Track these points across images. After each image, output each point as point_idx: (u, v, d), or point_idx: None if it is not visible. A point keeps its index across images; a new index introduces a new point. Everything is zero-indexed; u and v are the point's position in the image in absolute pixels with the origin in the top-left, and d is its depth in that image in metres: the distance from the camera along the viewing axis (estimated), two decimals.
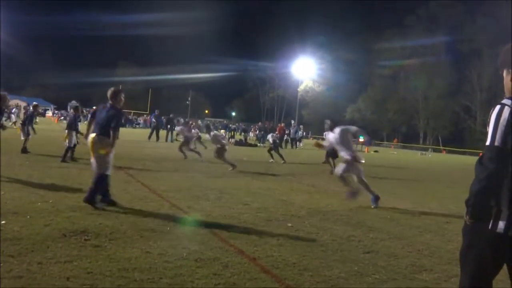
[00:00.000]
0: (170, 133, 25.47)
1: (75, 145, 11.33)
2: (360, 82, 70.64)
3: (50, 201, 6.13)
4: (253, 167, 13.58)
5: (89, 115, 7.51)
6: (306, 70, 63.76)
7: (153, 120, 28.50)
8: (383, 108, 69.45)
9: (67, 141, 11.13)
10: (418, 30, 66.09)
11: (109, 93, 6.39)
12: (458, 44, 63.05)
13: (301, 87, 70.93)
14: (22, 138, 12.27)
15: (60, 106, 70.84)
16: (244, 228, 5.45)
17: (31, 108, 14.85)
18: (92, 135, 6.16)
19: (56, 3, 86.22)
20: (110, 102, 6.35)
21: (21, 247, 4.02)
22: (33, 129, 13.09)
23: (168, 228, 5.13)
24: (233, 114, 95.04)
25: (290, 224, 5.86)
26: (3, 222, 4.77)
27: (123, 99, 6.54)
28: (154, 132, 25.11)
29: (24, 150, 11.86)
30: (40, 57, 77.96)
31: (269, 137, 17.45)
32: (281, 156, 15.97)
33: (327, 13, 74.03)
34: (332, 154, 13.19)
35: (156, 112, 28.94)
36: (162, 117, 28.33)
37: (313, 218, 6.46)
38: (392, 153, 39.84)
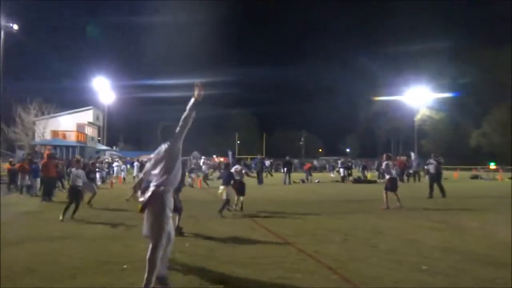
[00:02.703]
0: (287, 175, 25.90)
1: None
2: (483, 104, 65.25)
3: (186, 251, 6.55)
4: (373, 205, 13.13)
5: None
6: (420, 98, 60.96)
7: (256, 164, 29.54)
8: None
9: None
10: None
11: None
12: None
13: (417, 117, 67.76)
14: None
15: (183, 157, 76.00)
16: (374, 272, 5.29)
17: None
18: None
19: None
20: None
21: None
22: None
23: (299, 275, 5.17)
24: (348, 150, 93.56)
25: (424, 267, 5.54)
26: (124, 266, 5.20)
27: None
28: (262, 174, 26.42)
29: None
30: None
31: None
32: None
33: (438, 34, 70.44)
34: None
35: (259, 156, 30.92)
36: (267, 161, 29.18)
37: (449, 258, 6.04)
38: None
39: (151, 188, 4.44)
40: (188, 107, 4.53)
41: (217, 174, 35.79)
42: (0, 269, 5.31)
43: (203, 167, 25.18)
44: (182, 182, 8.82)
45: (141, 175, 5.13)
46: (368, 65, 77.37)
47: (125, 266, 5.47)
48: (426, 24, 72.45)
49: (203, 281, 4.92)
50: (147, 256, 4.30)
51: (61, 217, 9.69)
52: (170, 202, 4.48)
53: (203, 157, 52.26)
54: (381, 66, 75.83)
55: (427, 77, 62.77)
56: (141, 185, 5.09)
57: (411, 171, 29.65)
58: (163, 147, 4.61)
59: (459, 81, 65.31)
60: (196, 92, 4.53)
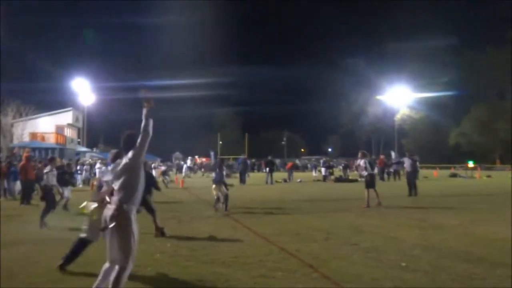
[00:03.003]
0: (270, 175, 25.96)
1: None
2: (462, 103, 66.22)
3: (167, 252, 6.53)
4: (354, 204, 13.25)
5: None
6: (401, 98, 61.74)
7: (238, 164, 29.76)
8: (492, 128, 64.17)
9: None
10: None
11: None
12: None
13: (397, 116, 68.63)
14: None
15: (165, 158, 75.02)
16: (355, 270, 5.35)
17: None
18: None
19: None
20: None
21: None
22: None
23: (280, 274, 5.20)
24: (330, 150, 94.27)
25: (404, 264, 5.62)
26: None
27: None
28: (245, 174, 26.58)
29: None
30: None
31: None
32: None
33: (419, 34, 71.12)
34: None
35: (242, 156, 30.64)
36: (248, 161, 29.13)
37: (429, 256, 6.13)
38: (509, 177, 36.49)
39: (114, 206, 3.91)
40: (143, 116, 3.97)
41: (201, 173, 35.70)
42: None
43: (162, 167, 26.05)
44: (152, 184, 8.89)
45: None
46: (350, 66, 77.93)
47: None
48: (408, 24, 73.10)
49: (184, 281, 4.91)
50: (112, 278, 3.83)
51: (40, 227, 9.21)
52: (135, 222, 3.96)
53: (189, 157, 52.09)
54: (362, 66, 76.39)
55: (407, 77, 63.56)
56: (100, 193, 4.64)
57: (391, 170, 29.98)
58: (123, 159, 4.05)
59: (439, 81, 66.22)
60: (146, 98, 4.00)
